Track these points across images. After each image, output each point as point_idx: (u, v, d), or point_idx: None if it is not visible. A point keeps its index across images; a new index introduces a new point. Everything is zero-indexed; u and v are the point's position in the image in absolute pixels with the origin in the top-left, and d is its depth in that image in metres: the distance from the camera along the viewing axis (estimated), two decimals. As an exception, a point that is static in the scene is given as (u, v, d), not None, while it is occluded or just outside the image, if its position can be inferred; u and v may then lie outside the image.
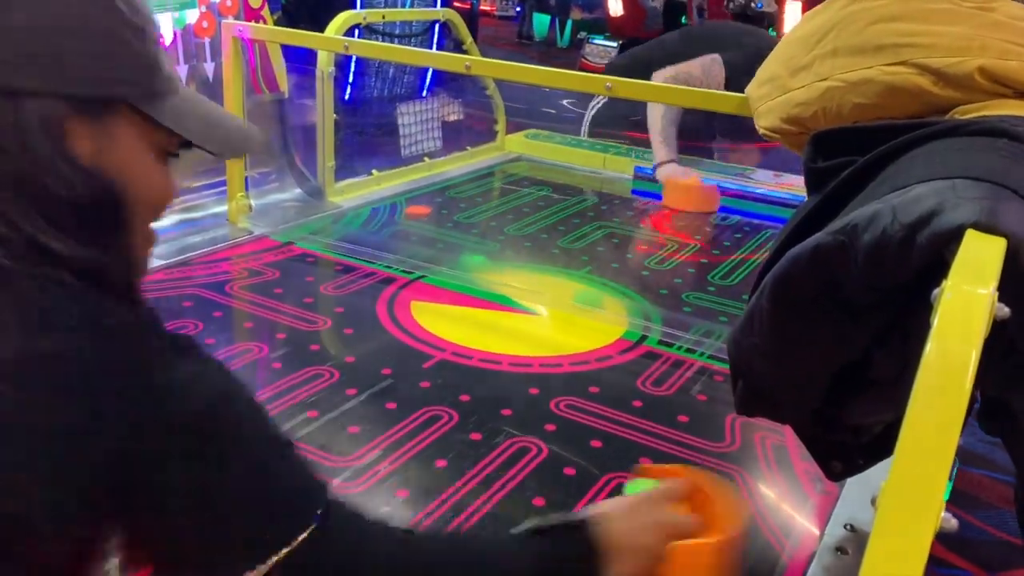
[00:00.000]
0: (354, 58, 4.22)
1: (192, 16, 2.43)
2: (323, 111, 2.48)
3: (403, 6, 4.92)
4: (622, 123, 3.47)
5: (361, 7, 4.38)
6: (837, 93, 1.04)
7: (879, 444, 1.01)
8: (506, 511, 1.20)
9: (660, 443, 1.38)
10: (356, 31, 3.27)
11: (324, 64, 2.43)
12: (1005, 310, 0.64)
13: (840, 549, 1.16)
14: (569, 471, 1.30)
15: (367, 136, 3.94)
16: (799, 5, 5.35)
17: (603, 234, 2.47)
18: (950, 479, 0.60)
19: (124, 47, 0.66)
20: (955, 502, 1.34)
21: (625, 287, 2.07)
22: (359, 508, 0.73)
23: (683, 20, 6.58)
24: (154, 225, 0.71)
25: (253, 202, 2.38)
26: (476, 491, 1.24)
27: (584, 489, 1.26)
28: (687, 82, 2.74)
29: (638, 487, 1.24)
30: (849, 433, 1.02)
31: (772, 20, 5.66)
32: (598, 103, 3.49)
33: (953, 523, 1.09)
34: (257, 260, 2.06)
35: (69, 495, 0.58)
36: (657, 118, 2.90)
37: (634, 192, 2.91)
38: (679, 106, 2.81)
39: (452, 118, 3.46)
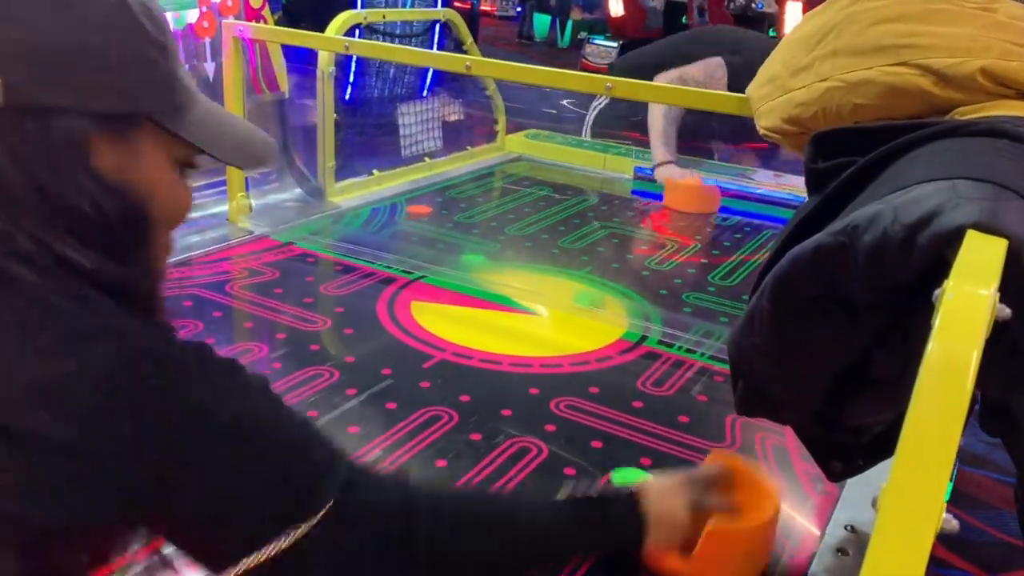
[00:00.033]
0: (355, 58, 4.21)
1: (192, 16, 2.42)
2: (323, 111, 2.47)
3: (404, 6, 4.92)
4: (623, 123, 3.47)
5: (362, 7, 4.38)
6: (837, 94, 1.04)
7: (879, 444, 1.01)
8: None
9: (660, 443, 1.38)
10: (357, 31, 3.27)
11: (324, 64, 2.43)
12: (1006, 311, 0.64)
13: (840, 550, 1.15)
14: (569, 471, 1.29)
15: (367, 136, 3.94)
16: (800, 5, 5.36)
17: (603, 234, 2.47)
18: (950, 480, 0.60)
19: (148, 65, 0.67)
20: (955, 503, 1.34)
21: (625, 287, 2.07)
22: (393, 475, 0.79)
23: (683, 20, 6.58)
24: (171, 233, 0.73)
25: (253, 202, 2.38)
26: (476, 491, 1.24)
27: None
28: (688, 84, 2.74)
29: (626, 477, 1.26)
30: (849, 433, 1.02)
31: (773, 20, 5.67)
32: (600, 104, 3.48)
33: (954, 524, 1.09)
34: (257, 260, 2.06)
35: (105, 508, 0.60)
36: (658, 118, 2.90)
37: (634, 192, 2.91)
38: (680, 107, 2.81)
39: (452, 118, 3.45)
